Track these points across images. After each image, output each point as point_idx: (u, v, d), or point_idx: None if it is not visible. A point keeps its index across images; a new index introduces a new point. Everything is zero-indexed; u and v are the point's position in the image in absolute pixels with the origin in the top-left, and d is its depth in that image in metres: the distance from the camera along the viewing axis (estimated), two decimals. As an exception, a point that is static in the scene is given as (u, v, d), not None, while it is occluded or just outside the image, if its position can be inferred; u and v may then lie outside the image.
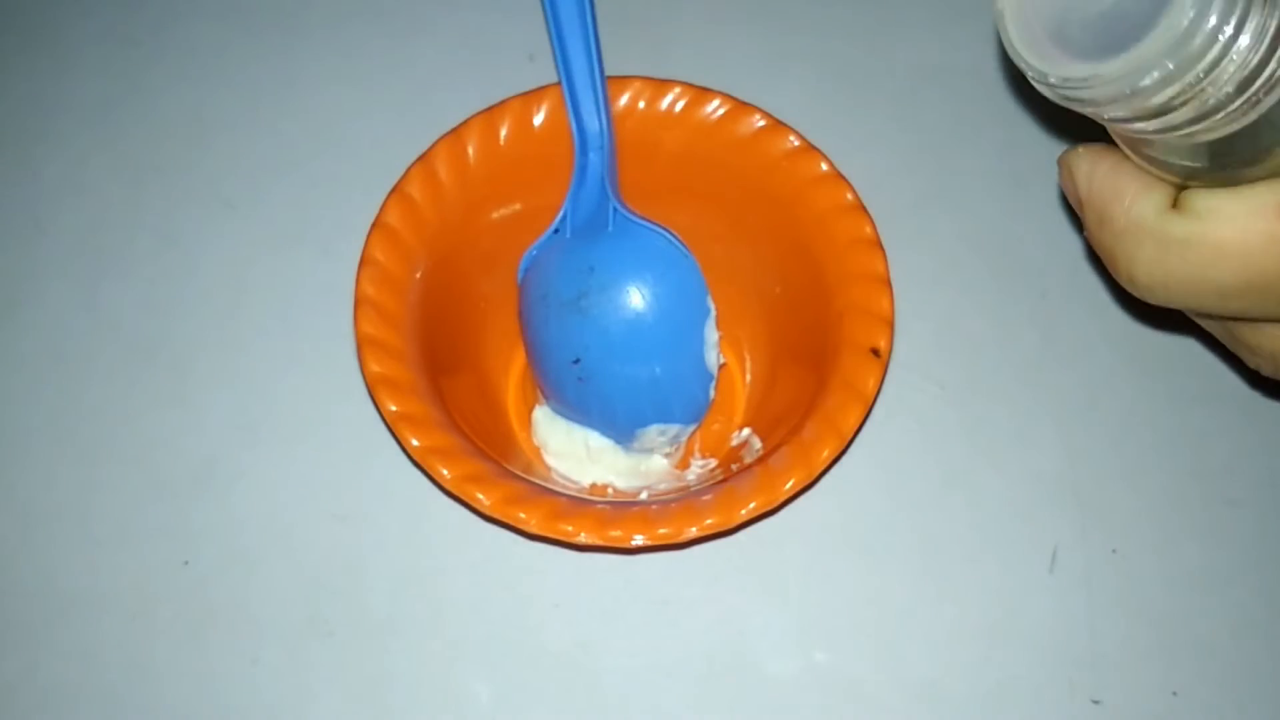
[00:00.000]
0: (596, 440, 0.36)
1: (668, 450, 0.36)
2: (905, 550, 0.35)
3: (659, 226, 0.35)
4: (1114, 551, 0.35)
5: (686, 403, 0.35)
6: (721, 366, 0.36)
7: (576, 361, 0.34)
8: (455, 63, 0.42)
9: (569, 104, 0.34)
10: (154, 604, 0.34)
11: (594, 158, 0.35)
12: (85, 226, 0.40)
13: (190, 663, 0.34)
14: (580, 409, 0.35)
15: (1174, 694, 0.33)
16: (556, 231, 0.35)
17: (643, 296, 0.34)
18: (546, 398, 0.36)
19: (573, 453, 0.36)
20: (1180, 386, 0.37)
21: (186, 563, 0.35)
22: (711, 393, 0.36)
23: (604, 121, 0.34)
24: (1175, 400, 0.37)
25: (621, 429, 0.36)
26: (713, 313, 0.35)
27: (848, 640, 0.34)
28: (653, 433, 0.35)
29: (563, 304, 0.34)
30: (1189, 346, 0.38)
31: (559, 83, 0.35)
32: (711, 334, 0.35)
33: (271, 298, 0.39)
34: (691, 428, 0.36)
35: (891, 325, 0.33)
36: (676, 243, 0.35)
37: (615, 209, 0.35)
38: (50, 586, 0.35)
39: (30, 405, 0.37)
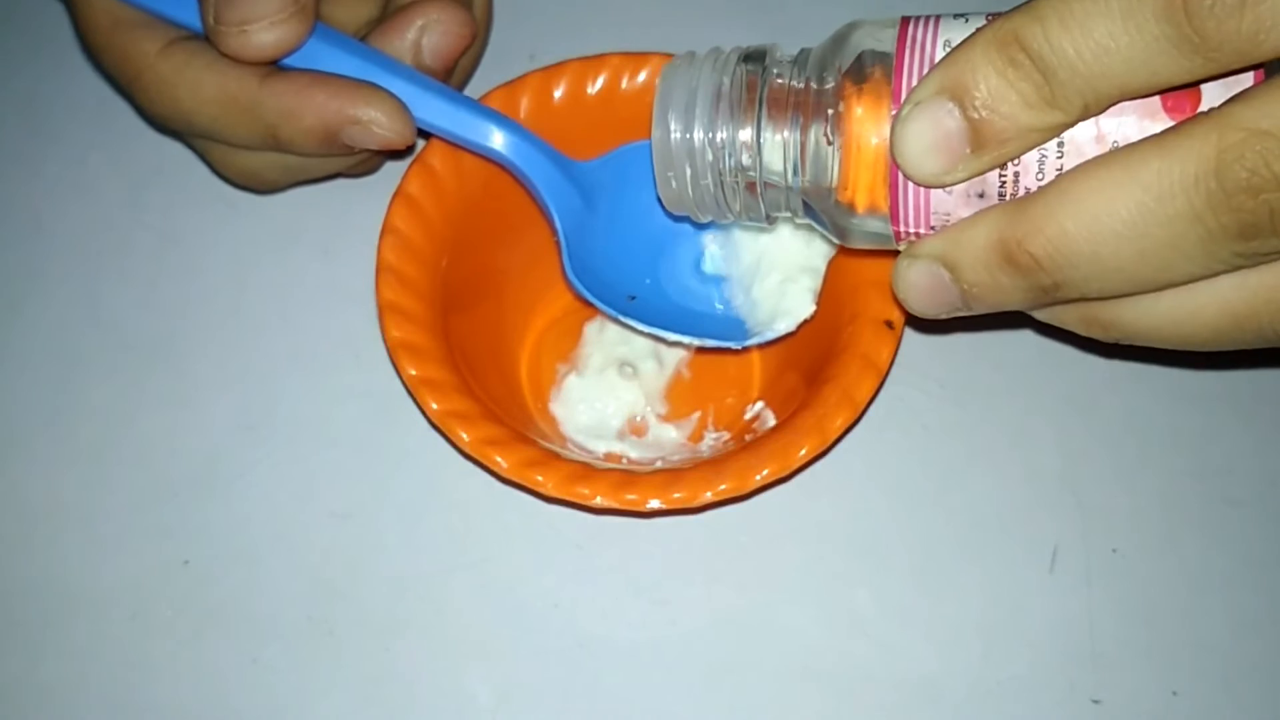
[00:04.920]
0: (618, 409, 0.37)
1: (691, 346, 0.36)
2: (905, 550, 0.35)
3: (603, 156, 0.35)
4: (1114, 551, 0.35)
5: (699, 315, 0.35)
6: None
7: (632, 298, 0.35)
8: (455, 63, 0.42)
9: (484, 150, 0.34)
10: (154, 603, 0.34)
11: (531, 169, 0.34)
12: (86, 226, 0.40)
13: (190, 662, 0.34)
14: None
15: (1174, 694, 0.33)
16: (567, 239, 0.35)
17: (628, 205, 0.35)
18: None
19: (595, 423, 0.37)
20: (1180, 386, 0.37)
21: (187, 562, 0.35)
22: (726, 308, 0.35)
23: (505, 131, 0.34)
24: (1175, 400, 0.37)
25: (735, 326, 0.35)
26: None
27: (847, 639, 0.34)
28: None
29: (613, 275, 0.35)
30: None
31: (577, 59, 0.36)
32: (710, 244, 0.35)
33: (272, 297, 0.39)
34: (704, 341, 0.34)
35: None
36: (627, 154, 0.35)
37: (577, 174, 0.35)
38: (51, 586, 0.35)
39: (31, 405, 0.37)
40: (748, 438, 0.35)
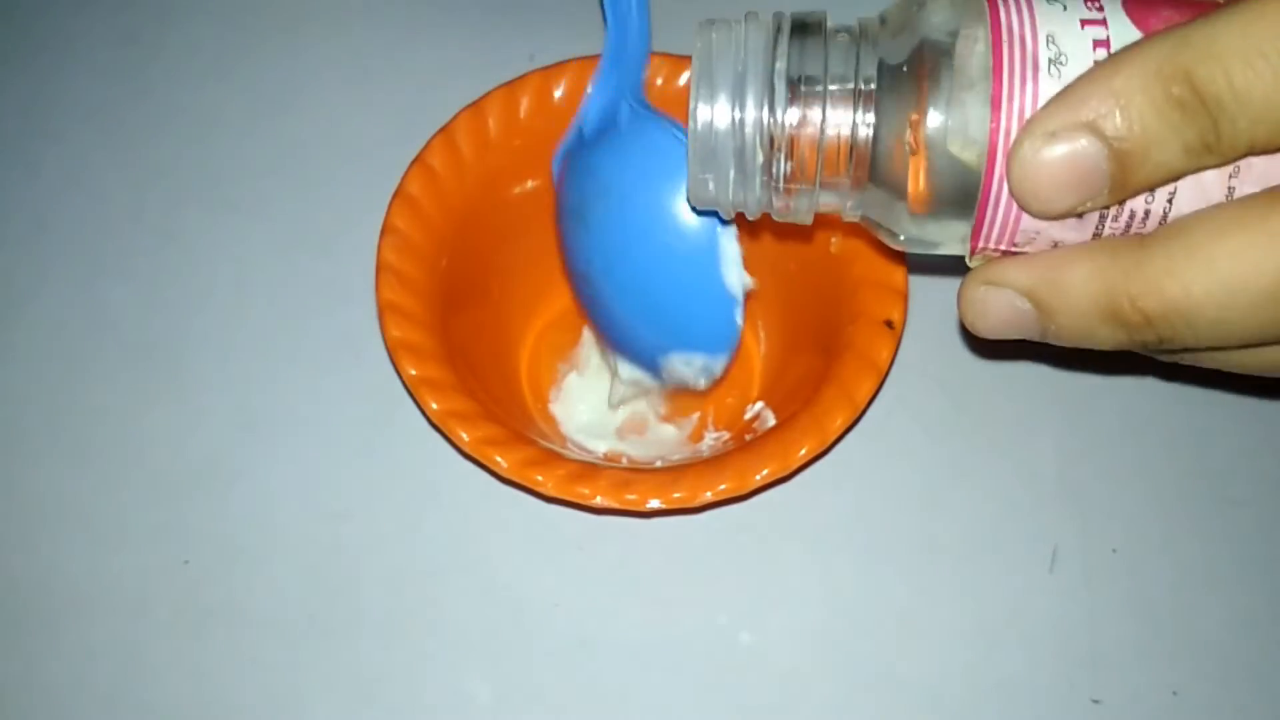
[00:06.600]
0: (620, 408, 0.36)
1: (702, 383, 0.34)
2: (905, 550, 0.35)
3: (674, 122, 0.32)
4: (1114, 551, 0.35)
5: (708, 329, 0.33)
6: (751, 291, 0.33)
7: (584, 274, 0.33)
8: (455, 63, 0.42)
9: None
10: (153, 603, 0.34)
11: (629, 43, 0.32)
12: (86, 226, 0.40)
13: (190, 662, 0.34)
14: (602, 328, 0.35)
15: (1174, 694, 0.33)
16: (580, 133, 0.34)
17: (643, 204, 0.32)
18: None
19: (595, 422, 0.37)
20: (1180, 387, 0.37)
21: (186, 562, 0.35)
22: (739, 319, 0.32)
23: (640, 12, 0.33)
24: (1175, 400, 0.37)
25: (644, 355, 0.34)
26: (732, 227, 0.32)
27: (848, 640, 0.34)
28: (678, 363, 0.34)
29: (567, 212, 0.33)
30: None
31: (577, 59, 0.35)
32: (731, 247, 0.32)
33: (272, 297, 0.39)
34: (721, 359, 0.33)
35: (905, 297, 0.33)
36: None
37: (629, 106, 0.33)
38: (50, 585, 0.35)
39: (30, 405, 0.37)
40: (748, 437, 0.35)
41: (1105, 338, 0.24)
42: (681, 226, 0.31)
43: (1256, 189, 0.22)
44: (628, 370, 0.35)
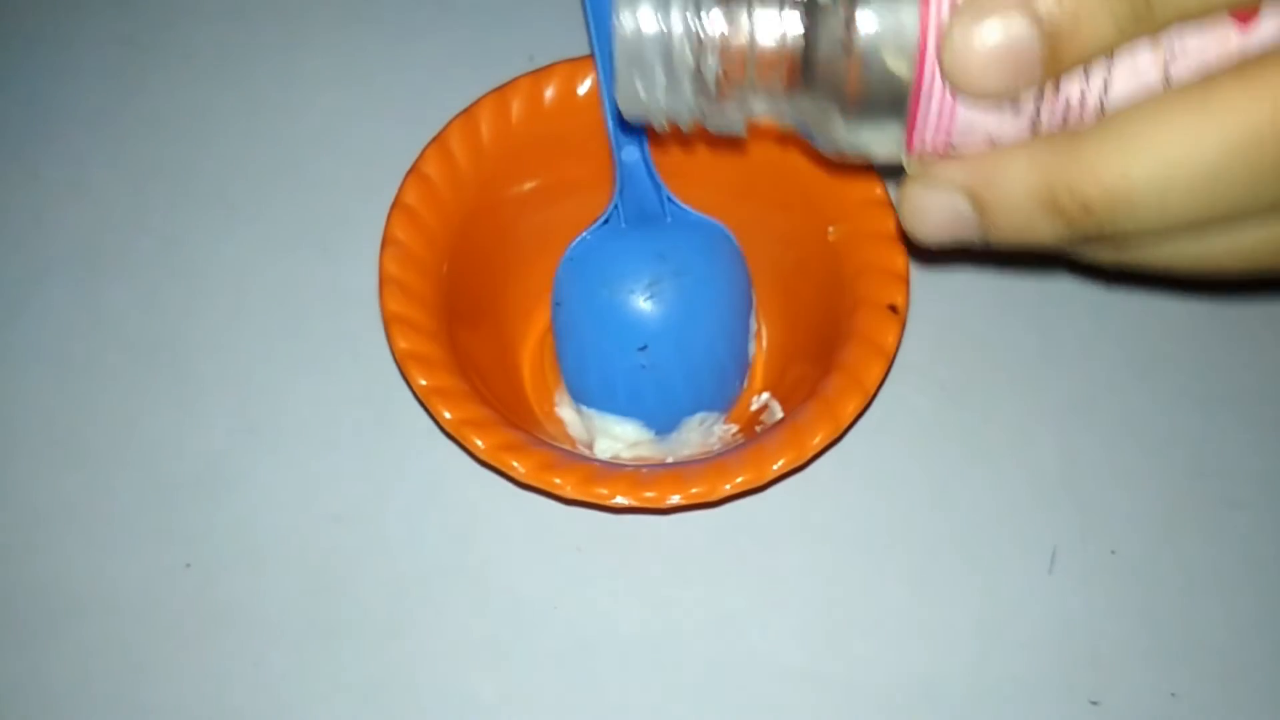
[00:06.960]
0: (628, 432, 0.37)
1: (699, 442, 0.36)
2: (904, 550, 0.35)
3: (710, 218, 0.36)
4: (1114, 552, 0.35)
5: (727, 391, 0.36)
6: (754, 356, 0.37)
7: (644, 348, 0.35)
8: (455, 64, 0.42)
9: (605, 101, 0.34)
10: (156, 606, 0.34)
11: (630, 151, 0.35)
12: (86, 227, 0.40)
13: (192, 665, 0.34)
14: (632, 399, 0.36)
15: (1173, 694, 0.33)
16: (606, 222, 0.35)
17: (710, 283, 0.35)
18: (582, 392, 0.36)
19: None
20: (1180, 386, 0.37)
21: (188, 565, 0.35)
22: (745, 382, 0.37)
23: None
24: (1175, 400, 0.37)
25: (668, 418, 0.36)
26: (754, 302, 0.36)
27: (847, 641, 0.34)
28: (694, 422, 0.36)
29: (631, 291, 0.35)
30: (1190, 347, 0.38)
31: (566, 60, 0.36)
32: (753, 323, 0.37)
33: (273, 299, 0.39)
34: (722, 415, 0.37)
35: (907, 281, 0.33)
36: (728, 233, 0.36)
37: (669, 200, 0.35)
38: (52, 588, 0.35)
39: (31, 406, 0.37)
40: (757, 429, 0.35)
41: (1045, 231, 0.23)
42: (729, 303, 0.36)
43: (1192, 72, 0.22)
44: (634, 431, 0.36)
